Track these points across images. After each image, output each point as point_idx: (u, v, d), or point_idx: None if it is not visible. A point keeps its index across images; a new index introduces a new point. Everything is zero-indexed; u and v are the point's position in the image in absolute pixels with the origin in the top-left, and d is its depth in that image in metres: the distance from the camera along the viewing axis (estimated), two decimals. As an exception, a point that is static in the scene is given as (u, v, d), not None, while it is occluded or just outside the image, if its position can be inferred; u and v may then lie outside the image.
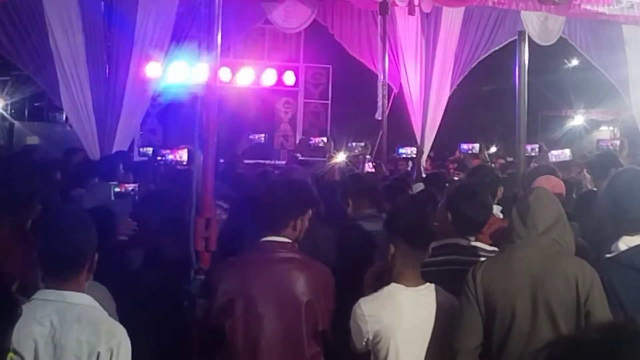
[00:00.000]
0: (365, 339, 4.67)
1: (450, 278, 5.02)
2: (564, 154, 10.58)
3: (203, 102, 5.64)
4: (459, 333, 4.55)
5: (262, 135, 11.21)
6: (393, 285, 4.71)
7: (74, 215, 4.35)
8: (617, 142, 9.82)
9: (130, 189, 7.40)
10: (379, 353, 4.66)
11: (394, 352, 4.61)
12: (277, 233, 4.82)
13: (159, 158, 10.20)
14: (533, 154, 11.03)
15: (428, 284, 4.76)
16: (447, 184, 8.02)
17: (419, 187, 9.08)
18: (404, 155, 12.47)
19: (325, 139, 10.93)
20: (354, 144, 11.51)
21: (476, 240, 5.56)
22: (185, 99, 13.77)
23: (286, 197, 4.90)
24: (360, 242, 6.05)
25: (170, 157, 9.67)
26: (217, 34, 5.61)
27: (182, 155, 8.77)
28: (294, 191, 5.04)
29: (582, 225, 5.92)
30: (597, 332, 1.72)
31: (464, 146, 12.07)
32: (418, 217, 4.83)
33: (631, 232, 4.69)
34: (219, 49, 5.67)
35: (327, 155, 10.80)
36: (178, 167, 8.78)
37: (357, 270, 5.38)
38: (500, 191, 7.30)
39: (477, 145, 12.18)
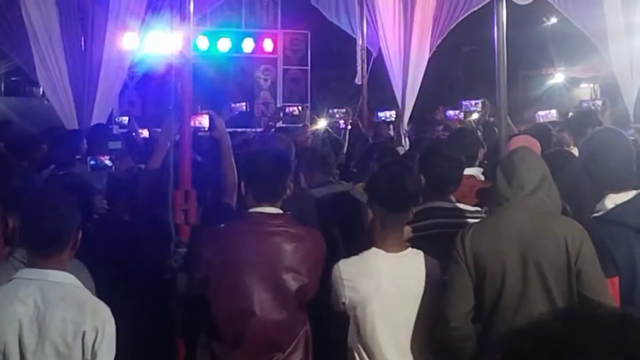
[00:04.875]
0: (342, 302, 4.66)
1: (437, 242, 5.01)
2: (551, 114, 10.56)
3: (177, 72, 5.57)
4: (451, 298, 4.52)
5: (244, 103, 11.10)
6: (373, 249, 4.68)
7: (58, 191, 4.31)
8: (599, 102, 9.81)
9: (106, 161, 7.35)
10: (355, 319, 4.65)
11: (370, 319, 4.60)
12: (271, 204, 4.78)
13: None
14: (478, 109, 11.08)
15: (411, 249, 4.74)
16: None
17: (400, 151, 9.06)
18: (384, 119, 12.41)
19: (300, 107, 10.87)
20: (335, 110, 11.43)
21: (459, 202, 5.56)
22: (162, 69, 13.65)
23: (279, 168, 4.86)
24: (349, 207, 6.02)
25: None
26: (189, 3, 5.53)
27: (203, 121, 8.63)
28: (284, 163, 5.01)
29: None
30: (556, 321, 1.65)
31: (450, 112, 12.06)
32: (394, 181, 4.76)
33: (615, 190, 4.69)
34: (192, 18, 5.59)
35: (302, 124, 10.77)
36: (199, 134, 8.71)
37: (344, 235, 5.35)
38: (481, 153, 7.28)
39: (462, 114, 12.15)
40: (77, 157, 8.59)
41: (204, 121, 9.17)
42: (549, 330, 1.62)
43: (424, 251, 4.77)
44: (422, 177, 5.49)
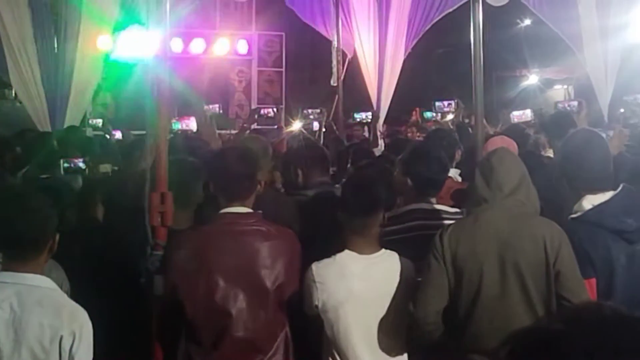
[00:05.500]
0: (315, 305, 4.64)
1: (416, 244, 4.99)
2: (525, 114, 10.60)
3: (154, 75, 5.52)
4: (424, 295, 4.51)
5: (217, 105, 11.07)
6: (346, 252, 4.67)
7: (36, 193, 4.25)
8: (575, 103, 9.84)
9: (79, 163, 7.30)
10: (329, 321, 4.63)
11: (343, 322, 4.59)
12: (241, 204, 4.74)
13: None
14: (451, 109, 11.14)
15: (384, 250, 4.73)
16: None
17: (376, 152, 9.05)
18: (360, 120, 12.43)
19: (275, 109, 10.87)
20: (309, 110, 11.43)
21: (437, 203, 5.55)
22: (137, 71, 13.61)
23: (247, 166, 4.80)
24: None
25: (178, 126, 9.54)
26: (165, 5, 5.48)
27: (190, 124, 8.61)
28: (252, 159, 4.95)
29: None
30: (560, 322, 1.63)
31: (428, 114, 12.11)
32: (360, 187, 4.79)
33: (592, 191, 4.68)
34: (168, 20, 5.55)
35: (277, 125, 10.76)
36: (189, 135, 8.64)
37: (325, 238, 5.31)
38: (458, 154, 7.29)
39: (438, 115, 12.22)
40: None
41: (191, 124, 9.16)
42: (553, 331, 1.59)
43: (405, 253, 4.75)
44: (409, 180, 5.49)
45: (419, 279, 4.65)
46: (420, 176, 5.46)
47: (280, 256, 4.67)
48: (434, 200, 5.54)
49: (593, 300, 4.18)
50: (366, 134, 12.97)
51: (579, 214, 4.68)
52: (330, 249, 4.79)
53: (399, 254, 4.74)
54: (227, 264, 4.58)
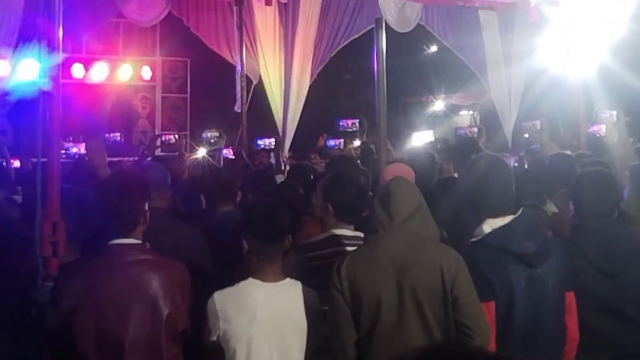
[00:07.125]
0: (216, 335, 4.57)
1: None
2: (427, 134, 10.73)
3: (45, 100, 5.35)
4: (335, 328, 4.53)
5: (118, 134, 10.95)
6: (249, 280, 4.63)
7: None
8: (475, 130, 10.01)
9: None
10: (229, 351, 4.55)
11: (245, 351, 4.53)
12: (127, 235, 4.58)
13: (62, 151, 9.82)
14: (354, 129, 11.28)
15: (289, 279, 4.70)
16: (312, 176, 7.98)
17: (280, 178, 8.99)
18: (262, 146, 12.40)
19: (177, 136, 10.77)
20: (209, 135, 11.36)
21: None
22: (35, 98, 13.33)
23: (126, 200, 4.64)
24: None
25: (74, 149, 9.35)
26: (57, 30, 5.32)
27: (82, 148, 8.43)
28: (133, 191, 4.77)
29: (442, 211, 5.92)
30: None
31: (331, 142, 12.13)
32: (266, 212, 4.74)
33: (493, 215, 4.72)
34: (60, 46, 5.38)
35: (178, 153, 10.66)
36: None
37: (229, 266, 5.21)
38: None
39: (342, 141, 12.29)
40: None
41: (82, 148, 8.95)
42: None
43: (325, 279, 4.68)
44: (329, 206, 5.51)
45: (326, 308, 4.64)
46: (340, 202, 5.51)
47: (171, 287, 4.58)
48: (352, 226, 5.58)
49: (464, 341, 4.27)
50: (272, 160, 12.93)
51: (479, 237, 4.73)
52: (233, 278, 4.73)
53: (314, 281, 4.76)
54: (117, 296, 4.46)
